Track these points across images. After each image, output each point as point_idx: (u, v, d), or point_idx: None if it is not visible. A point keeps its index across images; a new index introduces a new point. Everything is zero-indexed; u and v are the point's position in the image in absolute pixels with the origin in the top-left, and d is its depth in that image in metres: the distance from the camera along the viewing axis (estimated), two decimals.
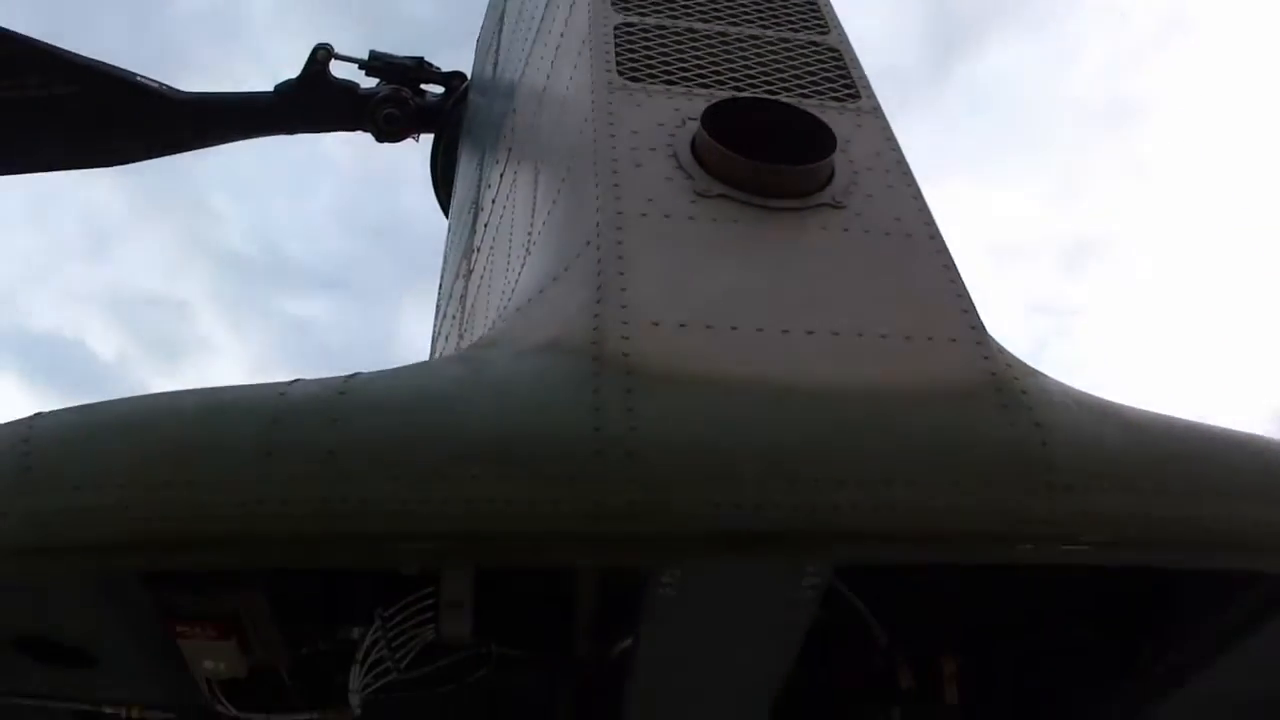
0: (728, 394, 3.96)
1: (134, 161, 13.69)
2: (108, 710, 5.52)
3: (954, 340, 4.40)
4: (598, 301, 4.30)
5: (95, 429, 4.17)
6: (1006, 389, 4.22)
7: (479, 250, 7.52)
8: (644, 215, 4.70)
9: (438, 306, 10.03)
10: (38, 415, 4.28)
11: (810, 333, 4.26)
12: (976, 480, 3.90)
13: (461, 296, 7.79)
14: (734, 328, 4.21)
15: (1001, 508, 3.89)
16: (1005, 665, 6.39)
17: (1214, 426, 4.71)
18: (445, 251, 10.74)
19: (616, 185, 4.83)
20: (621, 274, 4.39)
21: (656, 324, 4.18)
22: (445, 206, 12.33)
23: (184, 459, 3.90)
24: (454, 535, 3.69)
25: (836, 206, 4.88)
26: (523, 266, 5.51)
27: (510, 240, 6.24)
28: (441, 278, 10.46)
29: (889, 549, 3.90)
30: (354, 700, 5.78)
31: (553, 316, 4.46)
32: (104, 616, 4.76)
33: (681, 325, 4.19)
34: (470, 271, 7.58)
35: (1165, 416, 4.63)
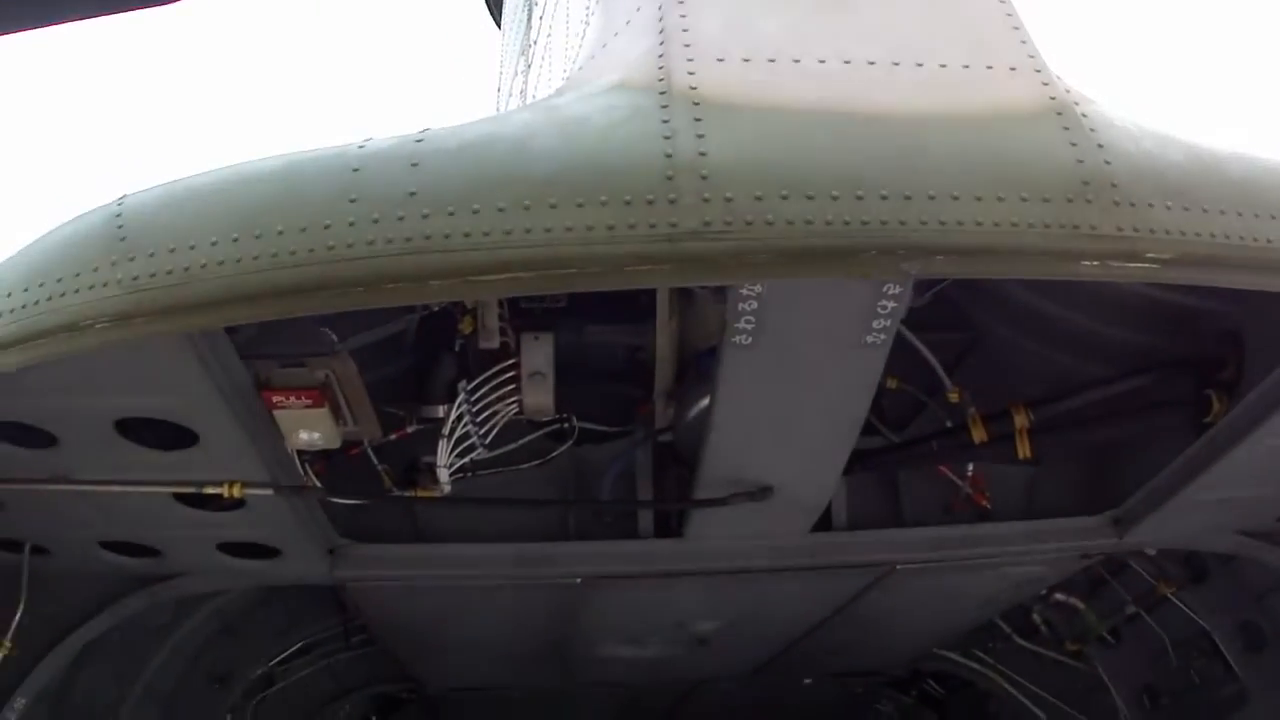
0: (794, 120, 4.04)
1: (173, 1, 13.51)
2: (209, 490, 5.75)
3: (1013, 69, 4.44)
4: (662, 43, 4.39)
5: (183, 195, 4.30)
6: (1068, 113, 4.27)
7: (535, 43, 7.54)
8: None
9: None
10: (125, 195, 4.42)
11: (871, 64, 4.32)
12: (1042, 197, 3.97)
13: (521, 92, 7.83)
14: (796, 60, 4.28)
15: (1066, 223, 3.96)
16: (1076, 420, 6.48)
17: None
18: (500, 63, 10.74)
19: None
20: (684, 17, 4.47)
21: (721, 60, 4.27)
22: (497, 20, 12.28)
23: (272, 211, 4.04)
24: (537, 263, 3.82)
25: None
26: (582, 39, 5.54)
27: (568, 20, 6.26)
28: (498, 87, 10.48)
29: (956, 263, 3.98)
30: (442, 476, 6.02)
31: (619, 63, 4.53)
32: (203, 390, 4.95)
33: (745, 60, 4.28)
34: (529, 66, 7.61)
35: (1232, 147, 4.64)
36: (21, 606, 6.91)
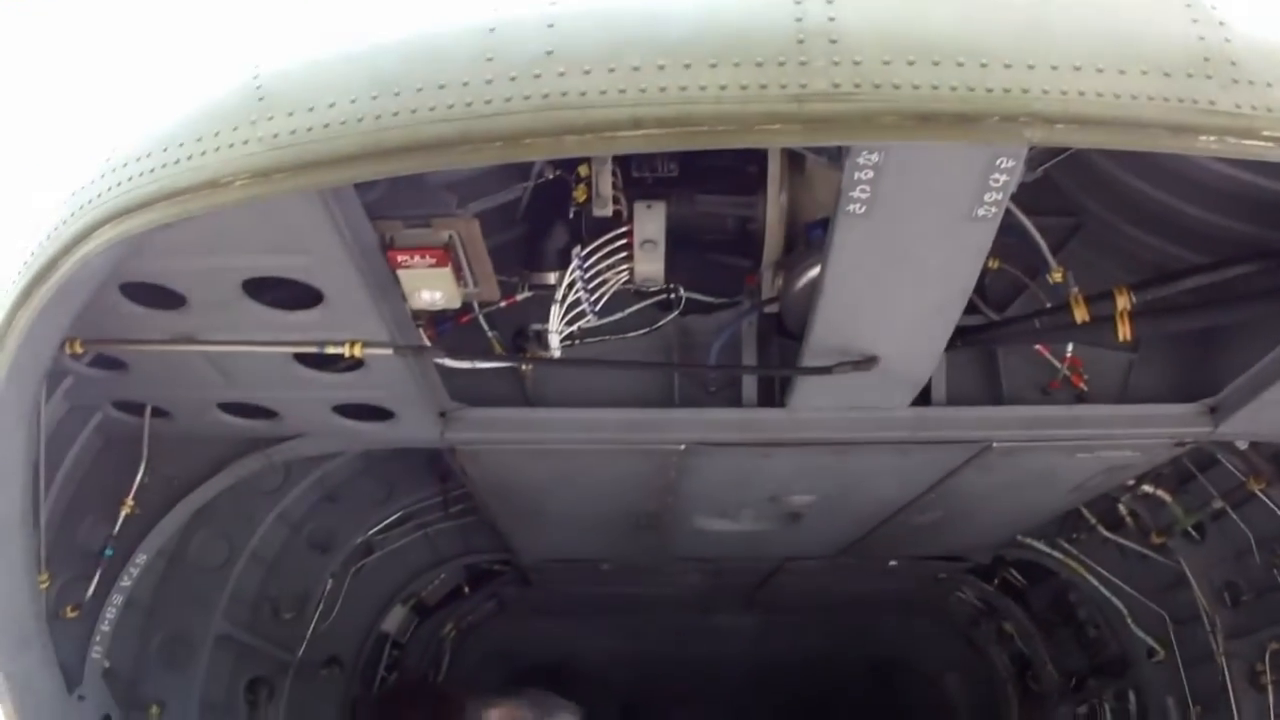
0: None
1: None
2: (330, 350, 5.98)
3: None
4: None
5: (320, 57, 4.46)
6: None
7: None
8: None
9: None
10: (261, 54, 4.59)
11: None
12: (1162, 71, 4.04)
13: None
14: None
15: (1185, 97, 4.02)
16: (1177, 306, 6.51)
17: None
18: None
19: None
20: None
21: None
22: None
23: (410, 69, 4.18)
24: (670, 120, 3.96)
25: None
26: None
27: None
28: None
29: (1076, 133, 4.05)
30: (553, 340, 6.22)
31: None
32: (332, 249, 5.17)
33: None
34: None
35: None
36: (143, 467, 7.30)
